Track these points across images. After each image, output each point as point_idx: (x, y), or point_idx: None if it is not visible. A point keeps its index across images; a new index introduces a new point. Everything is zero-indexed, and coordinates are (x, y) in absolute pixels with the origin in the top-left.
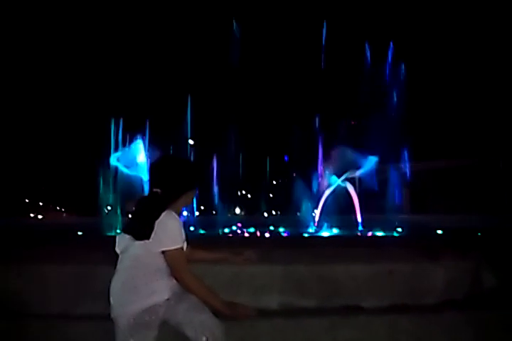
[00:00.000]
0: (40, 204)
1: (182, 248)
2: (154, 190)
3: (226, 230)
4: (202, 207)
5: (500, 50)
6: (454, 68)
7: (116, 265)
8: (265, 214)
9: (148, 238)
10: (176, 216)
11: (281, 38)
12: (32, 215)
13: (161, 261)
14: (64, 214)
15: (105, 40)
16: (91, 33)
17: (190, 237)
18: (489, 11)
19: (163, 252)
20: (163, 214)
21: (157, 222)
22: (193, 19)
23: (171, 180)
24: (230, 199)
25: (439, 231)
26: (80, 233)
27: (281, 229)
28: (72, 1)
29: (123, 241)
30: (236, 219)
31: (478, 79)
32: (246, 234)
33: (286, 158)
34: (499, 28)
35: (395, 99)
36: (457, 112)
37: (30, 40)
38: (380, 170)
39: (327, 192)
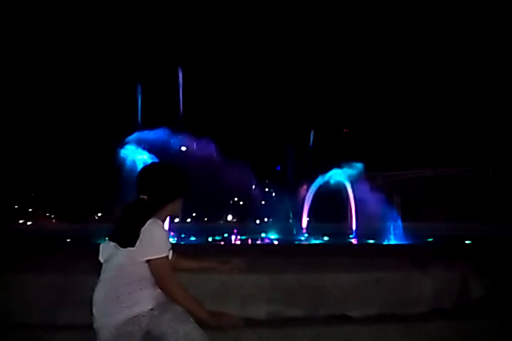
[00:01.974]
0: (30, 210)
1: (167, 257)
2: (141, 196)
3: (217, 237)
4: (194, 214)
5: (487, 62)
6: (444, 77)
7: (99, 274)
8: (257, 221)
9: (132, 245)
10: (162, 224)
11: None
12: (21, 221)
13: (145, 270)
14: (53, 221)
15: (107, 39)
16: (91, 32)
17: (178, 244)
18: (488, 19)
19: (147, 261)
20: (149, 222)
21: (142, 229)
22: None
23: (158, 187)
24: (222, 206)
25: (429, 239)
26: (68, 240)
27: (272, 236)
28: (72, 1)
29: (107, 250)
30: (228, 226)
31: (467, 88)
32: (237, 241)
33: (278, 168)
34: (498, 37)
35: (386, 108)
36: (446, 121)
37: (31, 40)
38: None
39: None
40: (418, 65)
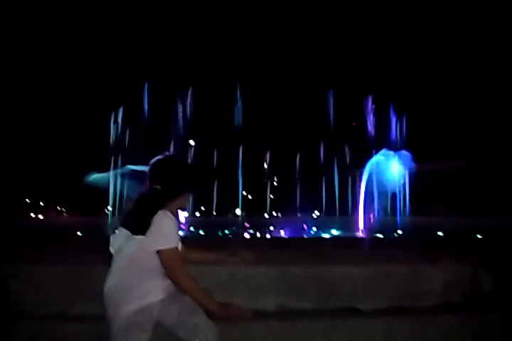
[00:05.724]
0: (41, 204)
1: (176, 247)
2: (154, 186)
3: (226, 231)
4: (203, 208)
5: (498, 54)
6: (454, 70)
7: (110, 265)
8: (266, 216)
9: (143, 233)
10: (172, 216)
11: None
12: (33, 215)
13: (155, 261)
14: (64, 214)
15: (105, 41)
16: (91, 32)
17: (188, 237)
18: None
19: (157, 251)
20: (159, 212)
21: (153, 218)
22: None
23: (173, 178)
24: (230, 200)
25: (440, 233)
26: (79, 233)
27: (282, 231)
28: (72, 1)
29: (117, 241)
30: (236, 220)
31: (478, 81)
32: (247, 235)
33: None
34: (497, 32)
35: (395, 102)
36: (457, 114)
37: (30, 40)
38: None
39: None
40: (427, 57)
